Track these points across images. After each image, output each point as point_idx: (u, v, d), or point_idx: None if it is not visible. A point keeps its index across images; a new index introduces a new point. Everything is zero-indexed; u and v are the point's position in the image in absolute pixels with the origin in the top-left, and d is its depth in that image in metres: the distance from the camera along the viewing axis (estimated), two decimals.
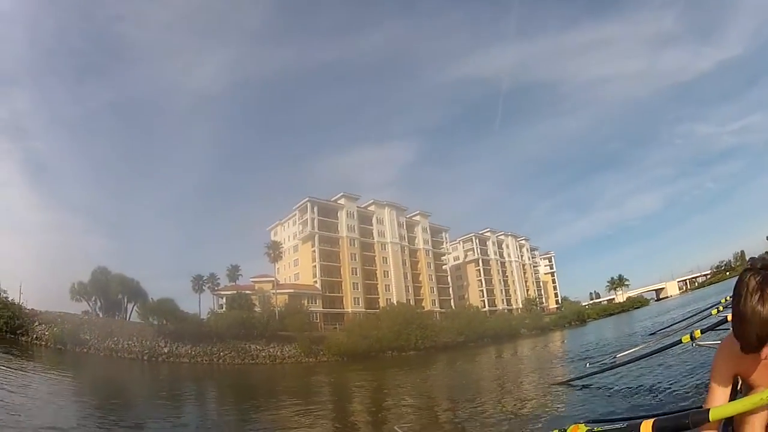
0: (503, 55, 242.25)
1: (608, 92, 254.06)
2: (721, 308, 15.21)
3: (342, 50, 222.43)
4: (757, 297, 2.32)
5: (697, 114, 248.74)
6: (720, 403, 2.75)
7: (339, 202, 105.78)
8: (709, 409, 2.57)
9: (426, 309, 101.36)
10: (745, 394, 2.79)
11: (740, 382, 2.95)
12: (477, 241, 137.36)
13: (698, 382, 12.45)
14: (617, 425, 3.23)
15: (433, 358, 58.03)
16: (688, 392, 12.03)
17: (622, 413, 11.67)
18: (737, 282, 2.45)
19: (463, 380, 33.54)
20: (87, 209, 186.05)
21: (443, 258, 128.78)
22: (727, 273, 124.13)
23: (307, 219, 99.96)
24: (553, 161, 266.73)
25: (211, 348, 59.88)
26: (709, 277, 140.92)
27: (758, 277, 2.36)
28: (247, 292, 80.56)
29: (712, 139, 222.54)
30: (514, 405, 19.02)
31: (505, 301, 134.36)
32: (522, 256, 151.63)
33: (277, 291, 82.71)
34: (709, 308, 18.44)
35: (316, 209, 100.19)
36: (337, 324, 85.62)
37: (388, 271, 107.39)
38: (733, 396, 2.90)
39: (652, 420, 2.90)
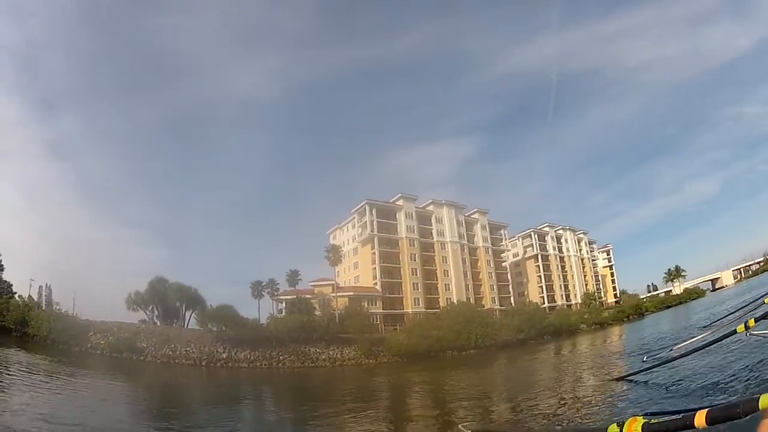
0: (547, 46, 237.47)
1: (654, 77, 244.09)
2: None
3: (387, 50, 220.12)
4: None
5: (741, 94, 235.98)
6: None
7: (397, 203, 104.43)
8: (759, 397, 2.53)
9: (486, 307, 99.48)
10: None
11: None
12: (536, 236, 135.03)
13: (751, 371, 12.53)
14: (673, 417, 3.34)
15: (493, 356, 57.48)
16: (741, 381, 12.08)
17: (678, 405, 11.80)
18: None
19: (524, 377, 34.34)
20: (141, 222, 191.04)
21: (502, 255, 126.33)
22: None
23: (366, 221, 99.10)
24: (606, 150, 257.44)
25: (270, 352, 59.02)
26: (762, 264, 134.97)
27: None
28: (307, 296, 79.74)
29: (760, 119, 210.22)
30: (573, 400, 19.44)
31: (564, 296, 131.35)
32: (580, 250, 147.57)
33: (337, 294, 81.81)
34: (761, 297, 19.09)
35: (374, 211, 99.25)
36: (397, 325, 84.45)
37: (447, 271, 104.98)
38: None
39: (705, 411, 2.97)
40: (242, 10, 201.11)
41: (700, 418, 2.88)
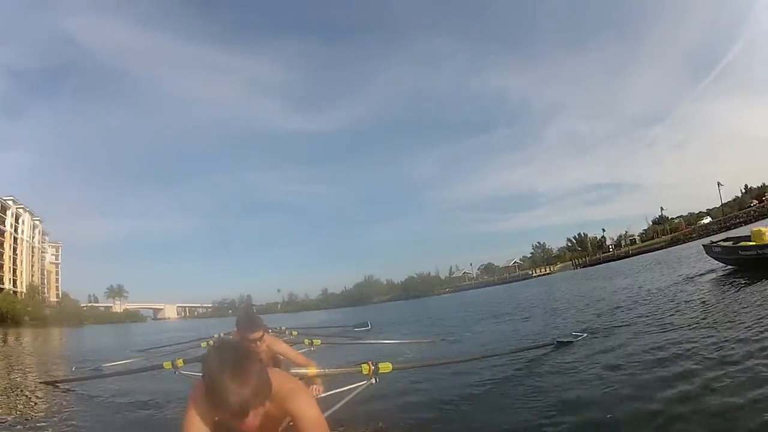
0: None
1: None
2: (211, 342, 14.25)
3: None
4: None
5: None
6: None
7: None
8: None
9: None
10: None
11: None
12: None
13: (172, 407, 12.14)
14: None
15: None
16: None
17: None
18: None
19: None
20: None
21: None
22: (230, 311, 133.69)
23: None
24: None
25: None
26: (210, 310, 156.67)
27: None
28: None
29: (265, 190, 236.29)
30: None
31: (12, 281, 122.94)
32: (34, 237, 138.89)
33: None
34: (200, 340, 18.22)
35: None
36: None
37: None
38: None
39: None
40: None
41: None
